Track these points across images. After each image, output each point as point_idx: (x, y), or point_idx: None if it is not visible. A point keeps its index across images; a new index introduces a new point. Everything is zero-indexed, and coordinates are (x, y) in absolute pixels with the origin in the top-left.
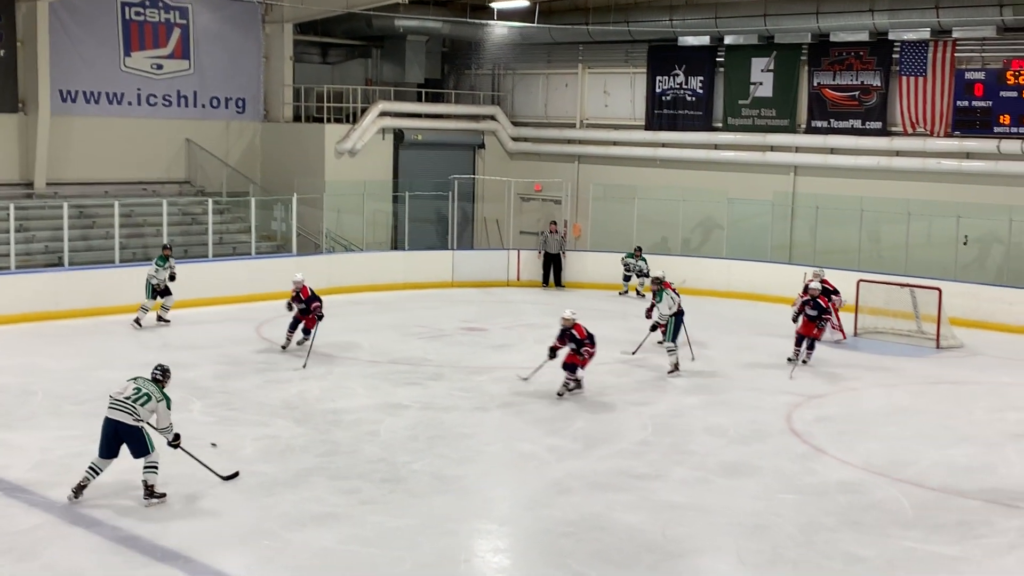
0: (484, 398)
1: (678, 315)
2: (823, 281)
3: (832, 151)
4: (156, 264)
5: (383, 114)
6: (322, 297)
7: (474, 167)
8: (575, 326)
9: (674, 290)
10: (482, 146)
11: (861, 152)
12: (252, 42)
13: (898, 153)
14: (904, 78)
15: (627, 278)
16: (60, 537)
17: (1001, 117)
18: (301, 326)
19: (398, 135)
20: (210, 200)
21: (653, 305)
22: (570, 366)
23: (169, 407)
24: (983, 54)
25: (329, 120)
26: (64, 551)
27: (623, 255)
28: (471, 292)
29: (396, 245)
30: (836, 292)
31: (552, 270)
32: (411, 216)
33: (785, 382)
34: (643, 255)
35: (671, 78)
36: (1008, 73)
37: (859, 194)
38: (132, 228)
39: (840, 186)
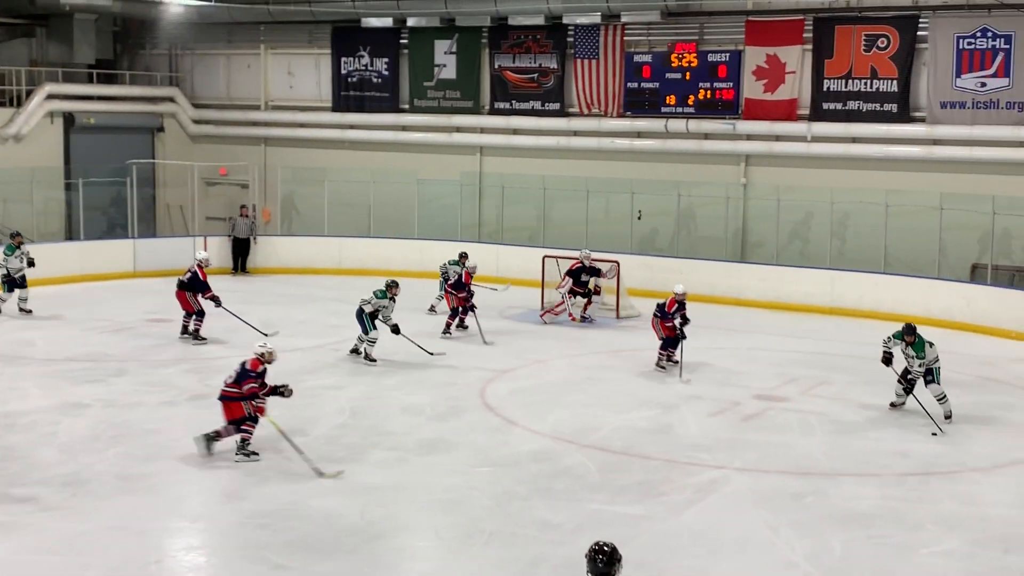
0: (172, 392)
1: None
2: (591, 261)
3: (515, 132)
4: (4, 253)
5: (51, 97)
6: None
7: (154, 151)
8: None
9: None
10: (161, 129)
11: (542, 132)
12: None
13: (576, 133)
14: (578, 61)
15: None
16: None
17: (668, 98)
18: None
19: (68, 119)
20: None
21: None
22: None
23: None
24: (650, 37)
25: None
26: None
27: (444, 262)
28: (155, 282)
29: (71, 235)
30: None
31: (240, 255)
32: (86, 204)
33: (479, 359)
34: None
35: (356, 59)
36: (673, 56)
37: (542, 173)
38: None
39: (524, 165)
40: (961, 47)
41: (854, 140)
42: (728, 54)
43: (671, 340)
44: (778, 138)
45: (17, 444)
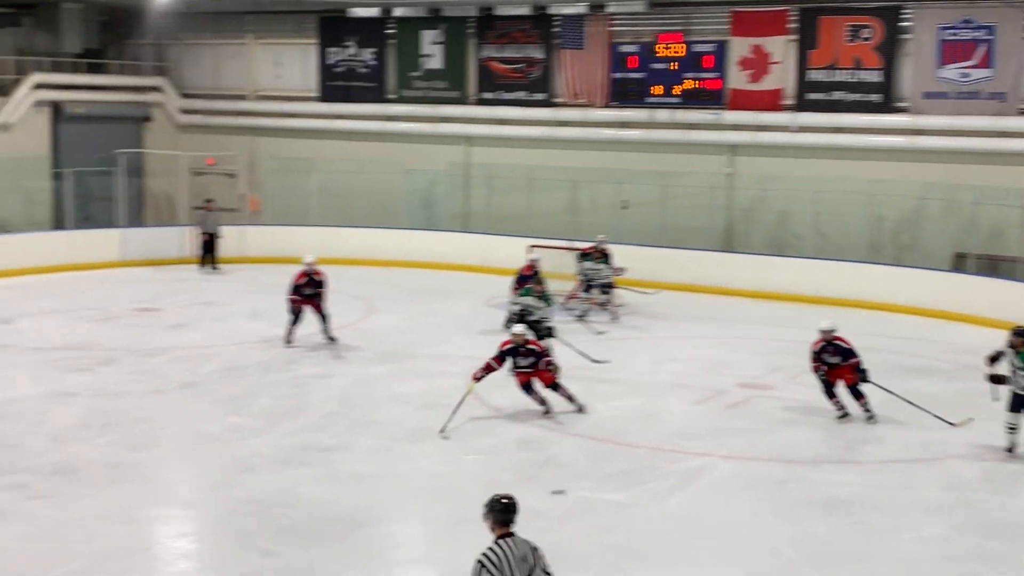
0: (161, 380)
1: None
2: (602, 250)
3: (501, 122)
4: None
5: (38, 86)
6: None
7: (142, 141)
8: (528, 340)
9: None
10: (149, 119)
11: (529, 123)
12: None
13: (562, 123)
14: (565, 51)
15: (588, 287)
16: None
17: (653, 88)
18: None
19: (56, 108)
20: None
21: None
22: (555, 384)
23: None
24: (635, 28)
25: None
26: None
27: (585, 262)
28: (143, 271)
29: (59, 224)
30: (607, 257)
31: (210, 250)
32: (74, 193)
33: (468, 349)
34: (606, 257)
35: (343, 49)
36: (658, 46)
37: (529, 163)
38: None
39: (511, 155)
40: (944, 38)
41: (838, 130)
42: (714, 44)
43: (827, 384)
44: (763, 128)
45: (6, 432)
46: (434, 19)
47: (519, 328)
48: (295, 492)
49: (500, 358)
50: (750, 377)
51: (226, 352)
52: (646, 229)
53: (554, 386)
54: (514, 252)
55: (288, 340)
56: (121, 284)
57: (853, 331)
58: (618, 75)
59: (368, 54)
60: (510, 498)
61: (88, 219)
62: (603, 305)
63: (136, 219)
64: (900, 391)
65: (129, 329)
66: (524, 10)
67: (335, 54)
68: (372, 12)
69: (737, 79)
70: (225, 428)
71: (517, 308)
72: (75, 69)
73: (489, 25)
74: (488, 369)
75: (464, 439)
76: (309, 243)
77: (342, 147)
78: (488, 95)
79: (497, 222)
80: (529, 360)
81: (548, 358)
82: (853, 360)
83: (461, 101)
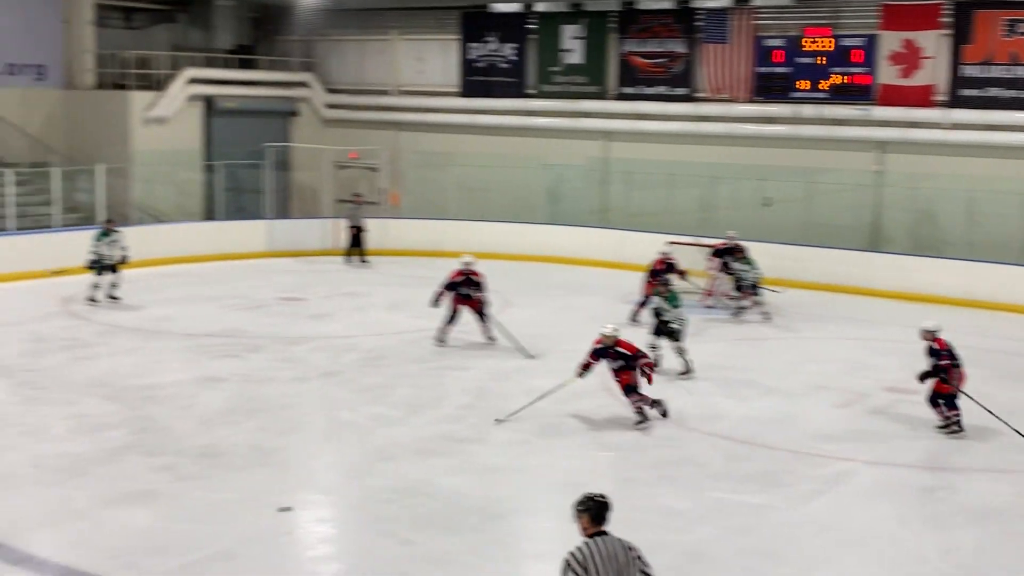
0: (304, 368)
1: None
2: (741, 248)
3: (641, 117)
4: (95, 238)
5: (192, 81)
6: (129, 272)
7: (289, 135)
8: (619, 342)
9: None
10: (296, 113)
11: (669, 118)
12: (50, 6)
13: (703, 118)
14: (708, 45)
15: (739, 287)
16: None
17: (799, 83)
18: (462, 312)
19: (208, 103)
20: (9, 171)
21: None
22: (630, 387)
23: None
24: (781, 22)
25: (136, 88)
26: None
27: (716, 254)
28: (287, 262)
29: (210, 216)
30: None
31: (358, 243)
32: (225, 185)
33: None
34: (746, 255)
35: (484, 44)
36: (804, 40)
37: (669, 158)
38: None
39: (651, 151)
40: None
41: (993, 128)
42: (863, 38)
43: (935, 393)
44: (914, 125)
45: (157, 415)
46: (575, 14)
47: (609, 329)
48: (432, 482)
49: (595, 355)
50: (895, 380)
51: (366, 342)
52: (789, 227)
53: (628, 389)
54: (650, 248)
55: (440, 339)
56: (267, 274)
57: (1004, 336)
58: (762, 69)
59: (509, 49)
60: (604, 496)
61: (239, 211)
62: (751, 306)
63: (282, 211)
64: None
65: (274, 317)
66: (667, 4)
67: (476, 49)
68: (514, 7)
69: (887, 74)
70: (365, 416)
71: (652, 307)
72: (227, 65)
73: (631, 19)
74: (586, 366)
75: (599, 435)
76: (447, 237)
77: (481, 142)
78: (628, 90)
79: (635, 218)
80: (618, 363)
81: (645, 359)
82: (942, 363)
83: (601, 96)
